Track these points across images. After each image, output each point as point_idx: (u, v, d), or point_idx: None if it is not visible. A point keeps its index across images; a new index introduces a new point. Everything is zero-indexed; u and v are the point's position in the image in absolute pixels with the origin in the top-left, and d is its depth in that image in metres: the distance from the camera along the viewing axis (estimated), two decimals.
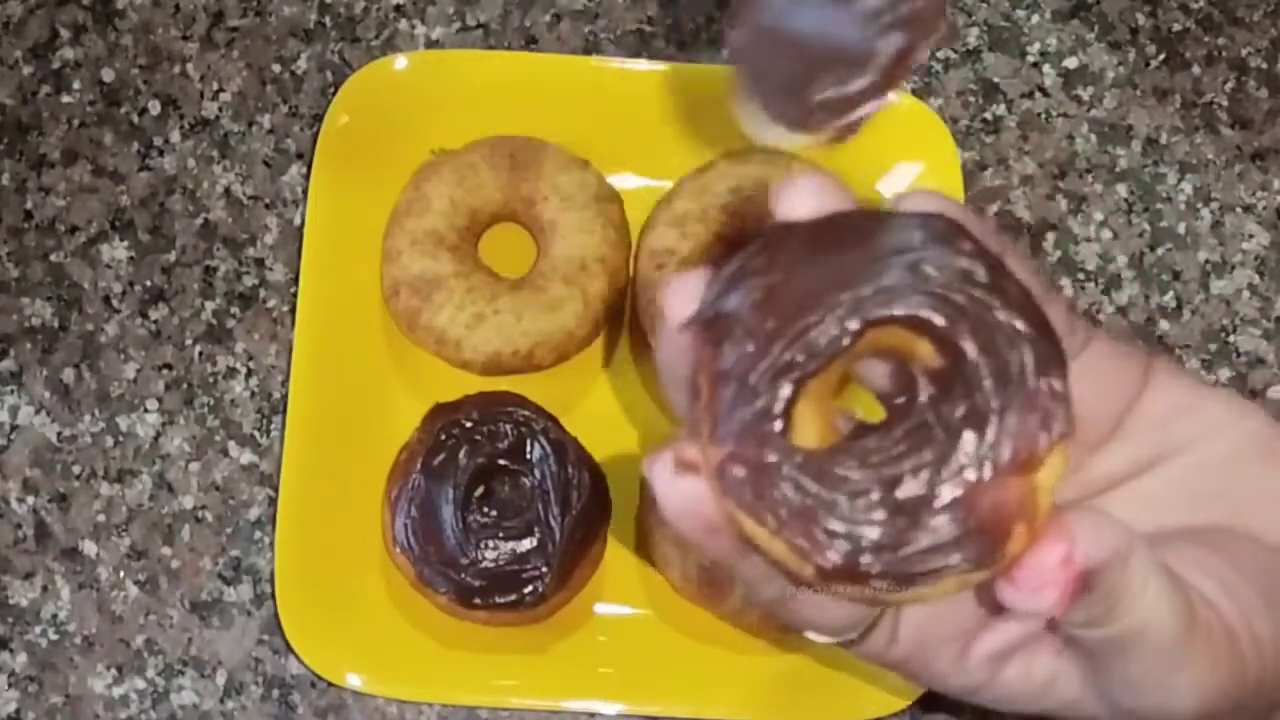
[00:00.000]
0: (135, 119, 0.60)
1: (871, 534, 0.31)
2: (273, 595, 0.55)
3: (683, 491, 0.32)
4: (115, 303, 0.59)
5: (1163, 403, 0.39)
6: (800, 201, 0.34)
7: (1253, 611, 0.37)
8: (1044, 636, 0.38)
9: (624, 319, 0.59)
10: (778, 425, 0.31)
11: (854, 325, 0.31)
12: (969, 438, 0.31)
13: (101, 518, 0.57)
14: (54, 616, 0.56)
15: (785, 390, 0.31)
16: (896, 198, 0.34)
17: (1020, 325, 0.31)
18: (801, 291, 0.32)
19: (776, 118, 0.47)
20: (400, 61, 0.59)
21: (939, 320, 0.31)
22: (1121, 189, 0.60)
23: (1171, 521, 0.39)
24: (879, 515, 0.31)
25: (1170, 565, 0.36)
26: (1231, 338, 0.59)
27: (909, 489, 0.31)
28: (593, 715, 0.55)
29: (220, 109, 0.61)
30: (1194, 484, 0.39)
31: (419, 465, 0.55)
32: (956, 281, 0.32)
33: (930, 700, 0.55)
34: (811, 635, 0.37)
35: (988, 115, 0.61)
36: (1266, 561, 0.38)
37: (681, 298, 0.34)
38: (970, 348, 0.31)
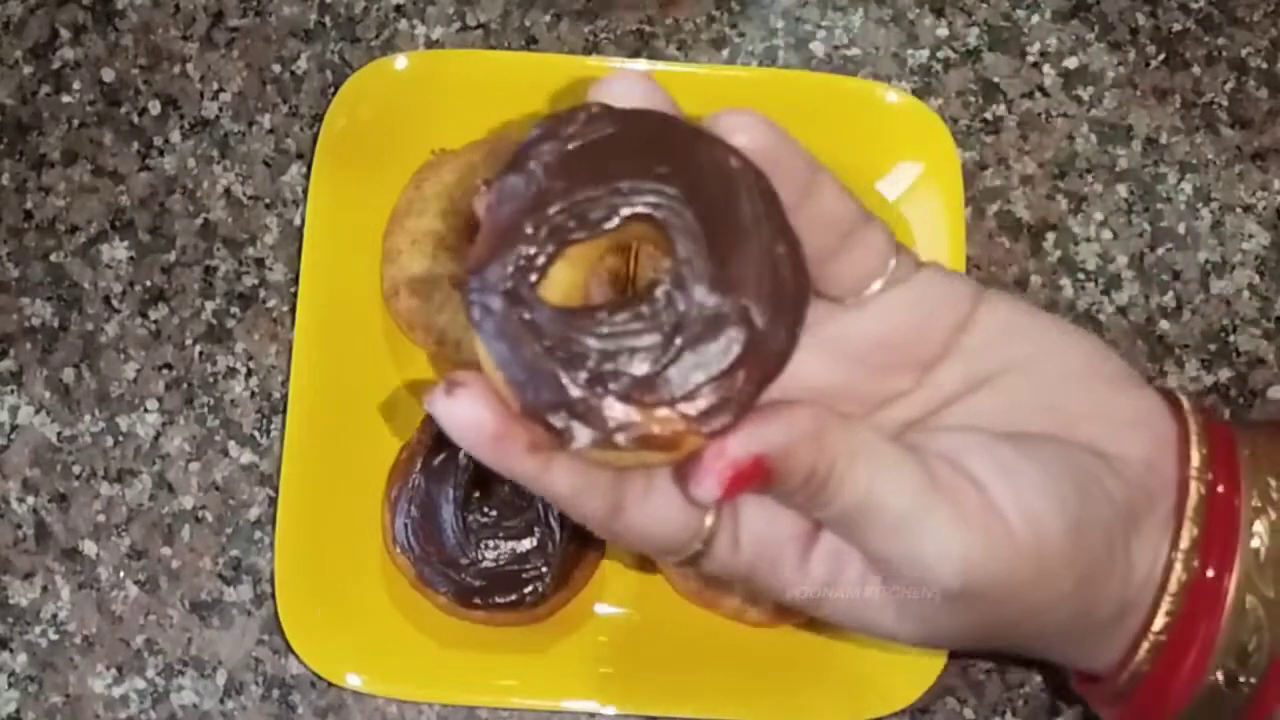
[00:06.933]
0: (135, 119, 0.60)
1: (550, 392, 0.34)
2: (273, 595, 0.55)
3: (459, 408, 0.34)
4: (115, 303, 0.59)
5: (995, 322, 0.41)
6: (622, 94, 0.36)
7: (1037, 493, 0.38)
8: None
9: None
10: (533, 276, 0.34)
11: (624, 211, 0.34)
12: (649, 346, 0.34)
13: (101, 518, 0.57)
14: (54, 616, 0.56)
15: (549, 246, 0.34)
16: (712, 115, 0.37)
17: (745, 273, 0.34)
18: (593, 167, 0.35)
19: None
20: (400, 61, 0.59)
21: (679, 235, 0.34)
22: (1121, 189, 0.60)
23: (1006, 432, 0.40)
24: (578, 377, 0.34)
25: (940, 448, 0.38)
26: (1231, 338, 0.59)
27: (609, 365, 0.34)
28: (593, 715, 0.55)
29: (220, 109, 0.61)
30: (1028, 399, 0.41)
31: (419, 465, 0.55)
32: (702, 208, 0.35)
33: (930, 701, 0.55)
34: (659, 558, 0.39)
35: (988, 115, 0.61)
36: (1086, 465, 0.40)
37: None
38: (689, 266, 0.34)
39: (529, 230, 0.34)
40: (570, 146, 0.35)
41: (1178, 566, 0.40)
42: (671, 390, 0.34)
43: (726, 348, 0.34)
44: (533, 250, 0.34)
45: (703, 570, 0.39)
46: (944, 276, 0.41)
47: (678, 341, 0.34)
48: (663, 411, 0.34)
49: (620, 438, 0.34)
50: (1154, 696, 0.42)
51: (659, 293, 0.34)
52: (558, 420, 0.34)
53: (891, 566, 0.38)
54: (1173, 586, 0.40)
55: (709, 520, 0.38)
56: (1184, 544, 0.40)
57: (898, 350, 0.41)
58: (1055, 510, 0.38)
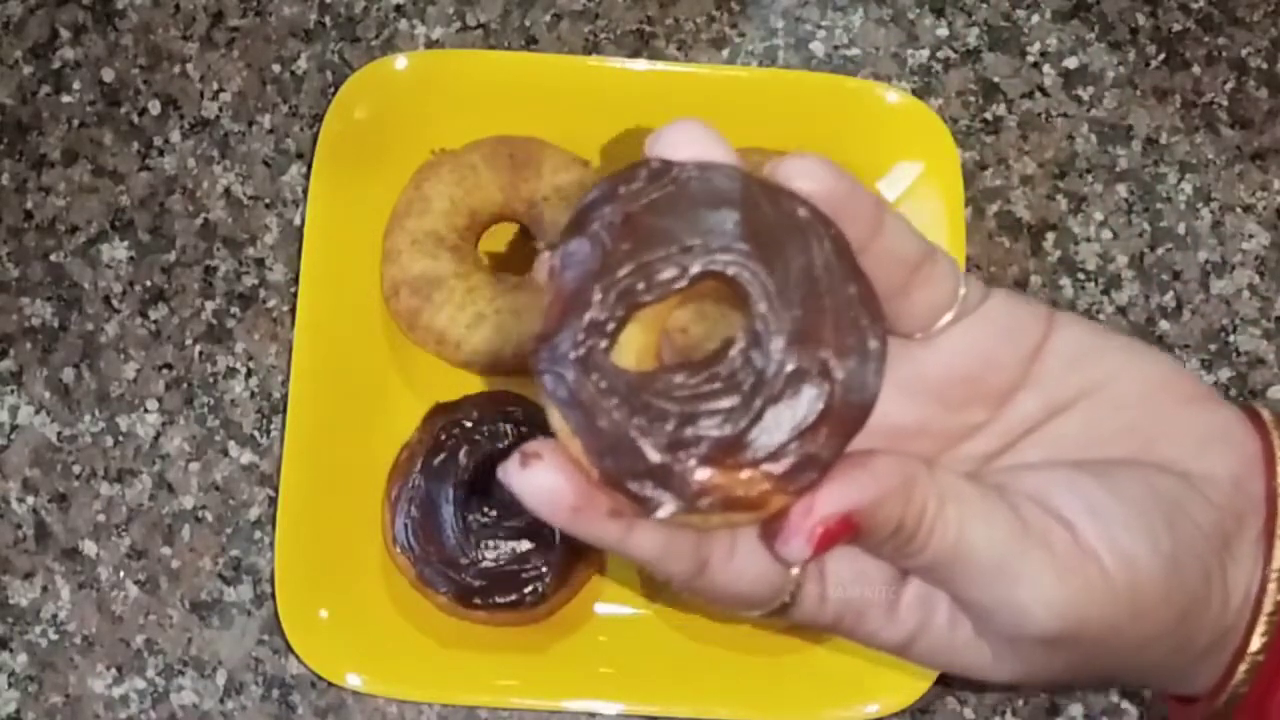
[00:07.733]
0: (135, 119, 0.60)
1: (630, 459, 0.33)
2: (273, 595, 0.55)
3: (536, 479, 0.33)
4: (115, 303, 0.59)
5: (1069, 346, 0.40)
6: (678, 145, 0.35)
7: (1129, 532, 0.38)
8: None
9: None
10: (604, 341, 0.33)
11: (694, 270, 0.34)
12: (729, 408, 0.33)
13: (101, 518, 0.57)
14: (54, 616, 0.56)
15: (618, 310, 0.34)
16: (773, 163, 0.36)
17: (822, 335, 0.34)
18: (658, 226, 0.34)
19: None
20: (400, 61, 0.59)
21: (753, 291, 0.34)
22: (1121, 189, 0.60)
23: (1087, 458, 0.40)
24: (658, 442, 0.33)
25: (1025, 488, 0.38)
26: (1231, 338, 0.59)
27: (688, 429, 0.33)
28: (593, 715, 0.55)
29: (220, 109, 0.61)
30: (1107, 422, 0.40)
31: (419, 465, 0.55)
32: (778, 259, 0.34)
33: (930, 701, 0.55)
34: (743, 611, 0.38)
35: (988, 115, 0.61)
36: (1168, 490, 0.39)
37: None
38: (764, 329, 0.33)
39: (597, 296, 0.34)
40: (632, 206, 0.34)
41: (1272, 587, 0.40)
42: (755, 451, 0.33)
43: (809, 404, 0.33)
44: (603, 316, 0.34)
45: (789, 621, 0.39)
46: (1015, 301, 0.40)
47: (757, 401, 0.33)
48: (747, 473, 0.33)
49: (704, 502, 0.33)
50: (1252, 717, 0.42)
51: (735, 352, 0.33)
52: (639, 488, 0.33)
53: (985, 612, 0.38)
54: (1268, 607, 0.40)
55: (795, 572, 0.38)
56: (1277, 563, 0.40)
57: (973, 383, 0.40)
58: (1148, 548, 0.38)
